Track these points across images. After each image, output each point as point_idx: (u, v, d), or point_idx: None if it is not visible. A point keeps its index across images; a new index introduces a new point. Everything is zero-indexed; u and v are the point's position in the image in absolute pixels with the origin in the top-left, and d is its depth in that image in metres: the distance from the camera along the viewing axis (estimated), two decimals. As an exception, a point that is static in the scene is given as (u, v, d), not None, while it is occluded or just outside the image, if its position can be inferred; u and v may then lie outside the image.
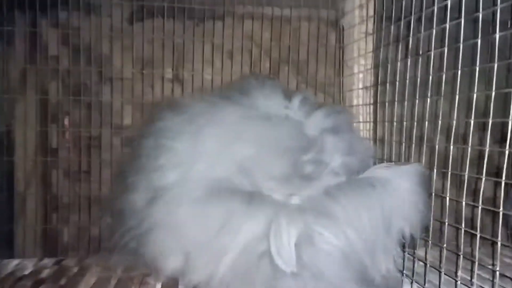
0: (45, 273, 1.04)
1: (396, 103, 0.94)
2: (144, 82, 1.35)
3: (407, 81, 0.90)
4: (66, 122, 1.35)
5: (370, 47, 1.14)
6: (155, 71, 1.34)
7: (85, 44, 1.32)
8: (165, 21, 1.33)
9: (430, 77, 0.81)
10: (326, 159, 0.87)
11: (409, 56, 0.88)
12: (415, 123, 0.86)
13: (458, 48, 0.74)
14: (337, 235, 0.74)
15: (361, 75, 1.19)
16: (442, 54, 0.78)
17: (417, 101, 0.86)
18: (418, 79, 0.86)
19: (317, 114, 0.94)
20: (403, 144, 0.91)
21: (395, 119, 0.94)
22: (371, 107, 1.14)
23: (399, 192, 0.78)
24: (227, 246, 0.78)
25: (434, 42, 0.80)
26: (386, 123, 0.99)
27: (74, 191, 1.35)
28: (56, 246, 1.33)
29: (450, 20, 0.76)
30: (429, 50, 0.81)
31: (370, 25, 1.14)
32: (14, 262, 1.13)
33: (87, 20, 1.32)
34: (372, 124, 1.13)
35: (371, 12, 1.14)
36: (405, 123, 0.90)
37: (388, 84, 0.97)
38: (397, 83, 0.93)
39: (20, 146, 1.30)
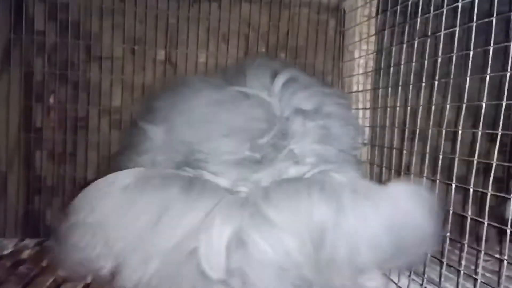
0: (25, 254, 1.01)
1: (399, 89, 0.91)
2: (135, 62, 1.30)
3: (413, 64, 0.86)
4: (51, 100, 1.29)
5: (373, 31, 1.11)
6: (146, 51, 1.29)
7: (73, 20, 1.26)
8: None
9: (439, 59, 0.77)
10: (286, 144, 0.76)
11: (416, 38, 0.84)
12: (420, 108, 0.83)
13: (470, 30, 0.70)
14: (272, 243, 0.63)
15: (362, 61, 1.15)
16: (453, 35, 0.74)
17: (423, 85, 0.82)
18: (426, 62, 0.82)
19: (296, 94, 0.83)
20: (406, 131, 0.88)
21: (398, 104, 0.91)
22: (371, 93, 1.11)
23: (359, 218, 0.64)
24: (160, 244, 0.66)
25: (444, 23, 0.76)
26: (388, 109, 0.95)
27: (58, 173, 1.29)
28: (38, 228, 1.27)
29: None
30: (437, 32, 0.77)
31: (373, 8, 1.11)
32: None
33: (76, -6, 1.26)
34: (371, 111, 1.09)
35: (375, -6, 1.11)
36: (408, 108, 0.87)
37: (391, 69, 0.94)
38: (401, 67, 0.89)
39: (2, 123, 1.24)
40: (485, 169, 0.70)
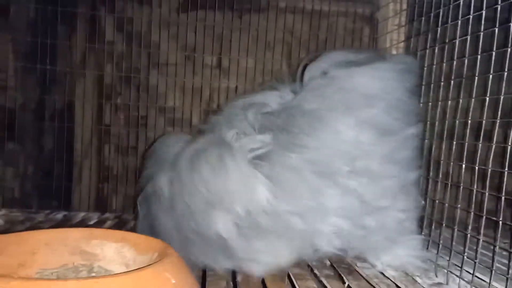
0: (107, 224, 1.20)
1: (423, 87, 1.04)
2: (188, 68, 1.47)
3: (433, 66, 0.99)
4: (118, 101, 1.48)
5: (402, 37, 1.24)
6: (199, 58, 1.46)
7: (137, 31, 1.45)
8: (214, 12, 1.45)
9: (454, 62, 0.90)
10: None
11: (437, 44, 0.97)
12: (439, 104, 0.95)
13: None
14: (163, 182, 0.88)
15: (392, 64, 1.28)
16: (465, 41, 0.87)
17: (442, 84, 0.95)
18: (444, 64, 0.95)
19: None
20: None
21: (421, 100, 1.03)
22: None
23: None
24: None
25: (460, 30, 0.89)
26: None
27: (123, 164, 1.48)
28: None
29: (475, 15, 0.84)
30: (454, 38, 0.90)
31: (403, 18, 1.24)
32: (82, 213, 1.34)
33: (140, 9, 1.45)
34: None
35: (404, 6, 1.24)
36: (430, 103, 0.99)
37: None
38: (425, 69, 1.03)
39: (79, 118, 1.45)
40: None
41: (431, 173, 0.99)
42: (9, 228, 1.15)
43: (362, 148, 0.86)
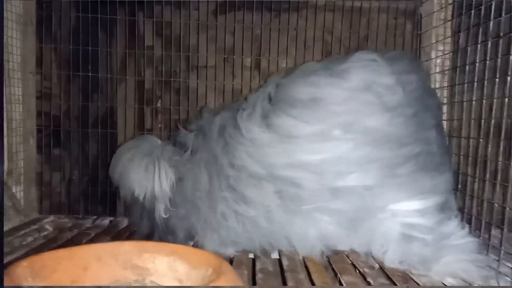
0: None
1: (475, 84, 0.99)
2: (227, 70, 1.46)
3: (487, 62, 0.94)
4: (158, 105, 1.49)
5: (448, 33, 1.19)
6: (237, 60, 1.45)
7: (176, 35, 1.46)
8: (251, 13, 1.43)
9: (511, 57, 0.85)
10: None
11: (490, 39, 0.92)
12: (494, 101, 0.90)
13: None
14: None
15: (438, 60, 1.23)
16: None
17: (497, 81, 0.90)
18: (499, 59, 0.90)
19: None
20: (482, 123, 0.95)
21: (474, 98, 0.98)
22: (448, 90, 1.19)
23: None
24: None
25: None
26: (465, 103, 1.03)
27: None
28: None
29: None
30: (510, 32, 0.85)
31: (449, 12, 1.18)
32: (126, 220, 1.35)
33: (178, 13, 1.45)
34: (448, 106, 1.18)
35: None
36: (484, 101, 0.95)
37: (467, 67, 1.02)
38: (477, 65, 0.98)
39: (121, 124, 1.47)
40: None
41: (487, 175, 0.94)
42: (58, 235, 1.17)
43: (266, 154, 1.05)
